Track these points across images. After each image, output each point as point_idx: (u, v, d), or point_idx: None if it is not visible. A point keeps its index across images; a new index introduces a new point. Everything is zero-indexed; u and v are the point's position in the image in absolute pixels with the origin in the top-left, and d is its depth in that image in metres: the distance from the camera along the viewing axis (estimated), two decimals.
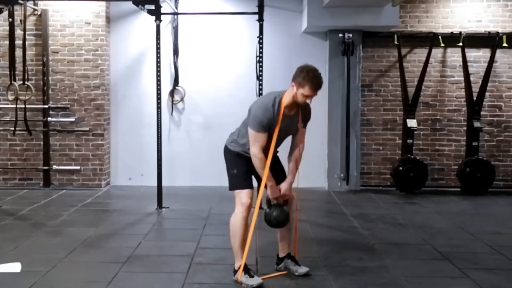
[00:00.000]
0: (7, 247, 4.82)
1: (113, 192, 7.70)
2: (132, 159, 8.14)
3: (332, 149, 7.95)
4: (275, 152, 4.14)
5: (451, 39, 7.80)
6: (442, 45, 7.81)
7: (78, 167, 7.80)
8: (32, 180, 7.84)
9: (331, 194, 7.69)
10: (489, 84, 7.84)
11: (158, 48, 6.48)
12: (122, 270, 4.29)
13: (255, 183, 4.09)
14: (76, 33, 7.72)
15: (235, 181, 4.05)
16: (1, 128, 7.74)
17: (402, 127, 7.91)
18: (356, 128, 7.92)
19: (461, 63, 7.89)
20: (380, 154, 8.12)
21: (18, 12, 7.24)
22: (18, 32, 7.22)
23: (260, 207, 3.99)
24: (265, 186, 3.98)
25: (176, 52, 7.97)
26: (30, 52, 7.60)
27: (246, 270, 3.97)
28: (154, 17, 6.49)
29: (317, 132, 7.90)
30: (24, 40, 7.20)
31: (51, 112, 7.75)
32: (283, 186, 4.03)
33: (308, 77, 3.82)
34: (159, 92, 6.52)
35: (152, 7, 6.46)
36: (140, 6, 6.55)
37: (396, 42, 7.77)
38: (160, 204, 6.57)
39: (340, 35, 7.72)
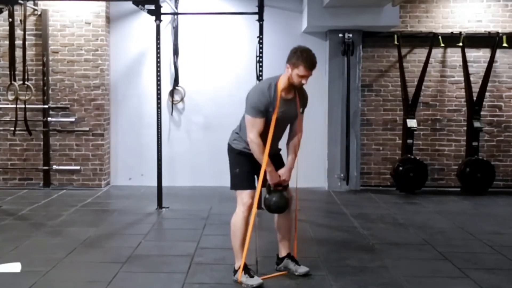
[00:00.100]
0: (7, 247, 4.82)
1: (113, 192, 7.70)
2: (132, 159, 8.14)
3: (332, 149, 7.95)
4: (277, 148, 4.14)
5: (451, 39, 7.80)
6: (442, 45, 7.81)
7: (78, 167, 7.81)
8: (32, 180, 7.84)
9: (331, 194, 7.69)
10: (489, 84, 7.84)
11: (158, 48, 6.48)
12: (122, 270, 4.29)
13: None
14: (76, 33, 7.72)
15: (237, 180, 4.05)
16: (1, 128, 7.74)
17: (402, 127, 7.91)
18: (356, 128, 7.92)
19: (461, 63, 7.89)
20: (380, 154, 8.12)
21: (18, 12, 7.24)
22: (18, 32, 7.22)
23: (260, 208, 3.99)
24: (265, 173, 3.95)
25: (176, 52, 7.97)
26: (30, 52, 7.60)
27: (246, 270, 3.97)
28: (154, 17, 6.50)
29: (317, 132, 7.91)
30: (24, 40, 7.20)
31: (51, 112, 7.75)
32: (283, 171, 4.04)
33: (302, 57, 3.83)
34: (159, 92, 6.52)
35: (152, 7, 6.46)
36: (140, 6, 6.56)
37: (396, 42, 7.77)
38: (160, 204, 6.57)
39: (340, 35, 7.73)
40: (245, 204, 3.98)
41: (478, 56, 7.99)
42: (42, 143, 7.78)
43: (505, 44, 7.75)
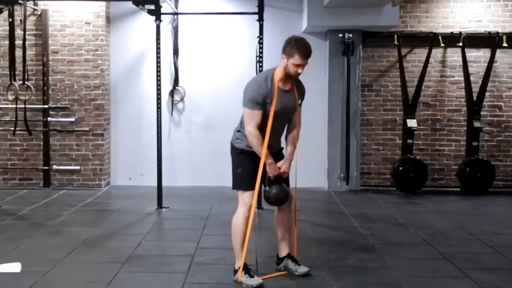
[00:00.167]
0: (7, 247, 4.82)
1: (113, 192, 7.70)
2: (132, 159, 8.14)
3: (332, 149, 7.95)
4: (279, 145, 4.14)
5: (451, 39, 7.80)
6: (442, 45, 7.81)
7: (78, 167, 7.80)
8: (32, 180, 7.84)
9: (331, 194, 7.69)
10: (489, 84, 7.83)
11: (158, 48, 6.48)
12: (122, 270, 4.29)
13: None
14: (76, 33, 7.72)
15: (239, 180, 4.05)
16: (1, 128, 7.74)
17: (402, 127, 7.91)
18: (356, 128, 7.92)
19: (461, 63, 7.89)
20: (380, 154, 8.12)
21: (18, 12, 7.24)
22: (18, 32, 7.22)
23: (260, 208, 3.99)
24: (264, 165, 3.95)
25: (176, 52, 7.97)
26: (30, 52, 7.60)
27: (246, 270, 3.97)
28: (154, 17, 6.50)
29: (317, 132, 7.91)
30: (24, 40, 7.20)
31: (51, 112, 7.75)
32: (282, 163, 4.03)
33: (297, 45, 3.83)
34: (159, 92, 6.52)
35: (152, 7, 6.47)
36: (140, 6, 6.56)
37: (396, 42, 7.77)
38: (160, 204, 6.57)
39: (340, 35, 7.73)
40: (247, 204, 3.98)
41: (478, 56, 7.98)
42: (42, 143, 7.78)
43: (505, 44, 7.74)
